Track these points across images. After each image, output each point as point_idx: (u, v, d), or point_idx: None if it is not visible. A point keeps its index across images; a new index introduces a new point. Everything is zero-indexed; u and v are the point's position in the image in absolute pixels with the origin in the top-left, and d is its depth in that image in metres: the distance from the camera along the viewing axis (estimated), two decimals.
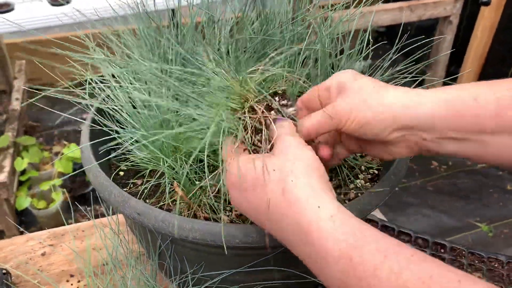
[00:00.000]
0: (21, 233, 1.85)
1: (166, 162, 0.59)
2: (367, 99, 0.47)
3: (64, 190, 1.88)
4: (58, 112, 0.72)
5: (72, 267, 0.80)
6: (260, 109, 0.51)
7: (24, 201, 1.77)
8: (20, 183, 1.85)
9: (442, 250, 0.82)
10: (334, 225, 0.39)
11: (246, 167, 0.45)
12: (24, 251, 0.84)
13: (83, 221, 0.97)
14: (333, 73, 0.53)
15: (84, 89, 0.63)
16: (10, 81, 2.23)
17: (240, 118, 0.50)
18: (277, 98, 0.54)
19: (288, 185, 0.42)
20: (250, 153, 0.50)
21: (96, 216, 0.96)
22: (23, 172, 1.86)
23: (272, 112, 0.52)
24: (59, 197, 1.81)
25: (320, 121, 0.50)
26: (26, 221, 1.86)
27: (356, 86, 0.49)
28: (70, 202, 1.86)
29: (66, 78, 0.62)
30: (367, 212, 0.52)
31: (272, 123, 0.49)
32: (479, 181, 2.10)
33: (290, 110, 0.53)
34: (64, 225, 0.89)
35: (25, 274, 0.78)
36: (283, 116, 0.51)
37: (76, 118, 0.70)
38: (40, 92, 0.58)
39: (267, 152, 0.48)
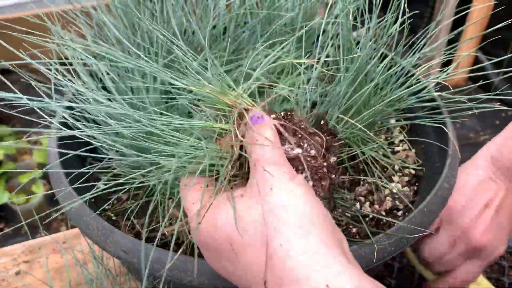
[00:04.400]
0: (0, 230, 1.73)
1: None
2: None
3: (45, 181, 1.74)
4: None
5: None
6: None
7: (1, 196, 1.63)
8: None
9: None
10: None
11: (211, 216, 0.32)
12: None
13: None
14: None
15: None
16: None
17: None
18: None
19: (276, 254, 0.27)
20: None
21: None
22: None
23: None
24: (39, 189, 1.67)
25: None
26: (6, 217, 1.73)
27: None
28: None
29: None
30: (418, 232, 0.41)
31: (249, 129, 0.36)
32: None
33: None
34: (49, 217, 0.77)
35: None
36: None
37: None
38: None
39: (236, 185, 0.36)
